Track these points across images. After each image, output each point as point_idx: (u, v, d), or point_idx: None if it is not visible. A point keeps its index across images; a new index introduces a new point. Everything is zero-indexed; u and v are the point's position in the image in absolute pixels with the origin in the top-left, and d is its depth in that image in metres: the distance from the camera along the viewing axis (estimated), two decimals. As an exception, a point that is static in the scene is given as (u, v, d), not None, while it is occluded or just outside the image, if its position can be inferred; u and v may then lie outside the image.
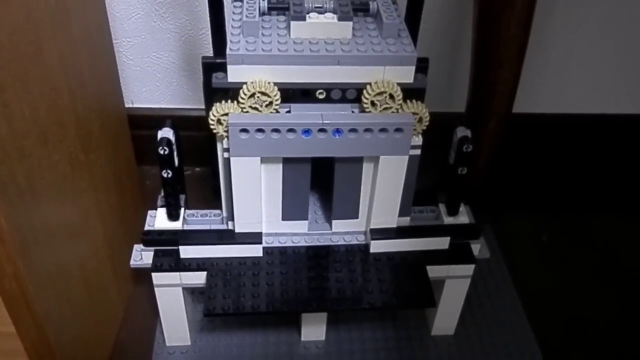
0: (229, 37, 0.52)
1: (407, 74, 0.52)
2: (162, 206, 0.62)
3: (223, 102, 0.52)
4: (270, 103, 0.52)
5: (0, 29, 0.41)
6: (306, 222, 0.61)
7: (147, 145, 0.83)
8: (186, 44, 0.81)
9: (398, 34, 0.53)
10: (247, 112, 0.52)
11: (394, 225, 0.61)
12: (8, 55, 0.42)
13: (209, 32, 0.59)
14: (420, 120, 0.55)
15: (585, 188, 0.92)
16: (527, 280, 0.78)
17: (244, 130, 0.52)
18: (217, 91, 0.52)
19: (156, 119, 0.87)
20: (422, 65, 0.53)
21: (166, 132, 0.58)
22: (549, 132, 0.91)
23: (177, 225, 0.61)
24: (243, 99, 0.51)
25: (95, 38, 0.61)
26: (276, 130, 0.52)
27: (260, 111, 0.52)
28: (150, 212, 0.63)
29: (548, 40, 0.83)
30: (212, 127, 0.53)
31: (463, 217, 0.64)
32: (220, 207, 0.62)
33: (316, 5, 0.53)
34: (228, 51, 0.50)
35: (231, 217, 0.60)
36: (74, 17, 0.54)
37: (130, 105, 0.86)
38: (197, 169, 0.91)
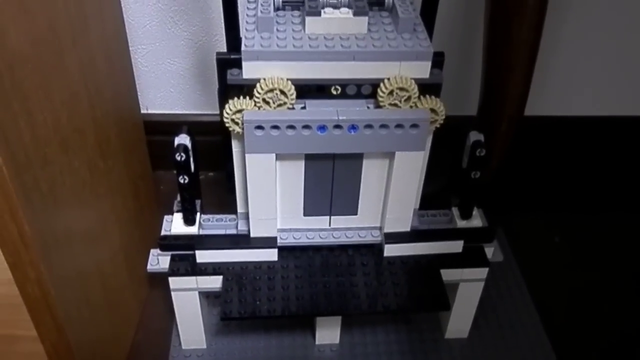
0: (243, 33, 0.52)
1: (423, 70, 0.52)
2: (178, 211, 0.63)
3: (236, 98, 0.52)
4: (284, 103, 0.52)
5: (25, 39, 0.42)
6: (327, 217, 0.61)
7: (162, 150, 0.84)
8: (200, 50, 0.82)
9: (414, 28, 0.52)
10: (261, 106, 0.52)
11: (410, 221, 0.60)
12: (32, 65, 0.43)
13: (223, 39, 0.59)
14: (436, 115, 0.54)
15: (596, 188, 0.92)
16: (540, 282, 0.78)
17: (259, 127, 0.52)
18: (232, 88, 0.52)
19: (170, 124, 0.88)
20: (438, 60, 0.53)
21: (183, 139, 0.59)
22: (560, 134, 0.91)
23: (193, 230, 0.62)
24: (258, 95, 0.51)
25: (113, 45, 0.62)
26: (291, 127, 0.52)
27: (270, 107, 0.52)
28: (166, 217, 0.64)
29: (559, 43, 0.83)
30: (226, 124, 0.53)
31: (476, 221, 0.64)
32: (235, 211, 0.63)
33: (331, 1, 0.53)
34: (243, 47, 0.50)
35: (246, 215, 0.60)
36: (92, 24, 0.55)
37: (145, 111, 0.88)
38: (210, 173, 0.92)
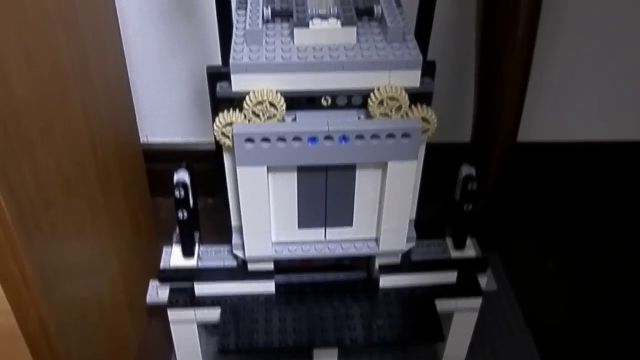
0: (232, 47, 0.51)
1: (413, 79, 0.51)
2: (177, 243, 0.64)
3: (226, 112, 0.51)
4: (275, 116, 0.51)
5: (29, 87, 0.43)
6: (322, 230, 0.60)
7: (161, 177, 0.85)
8: (198, 80, 0.84)
9: (403, 37, 0.52)
10: (251, 119, 0.51)
11: (406, 232, 0.60)
12: (36, 112, 0.44)
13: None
14: (428, 124, 0.54)
15: (589, 213, 0.94)
16: (536, 308, 0.79)
17: (250, 140, 0.51)
18: (222, 101, 0.52)
19: (170, 152, 0.91)
20: (428, 69, 0.53)
21: (182, 175, 0.60)
22: (553, 160, 0.93)
23: (192, 262, 0.63)
24: (248, 107, 0.51)
25: (114, 81, 0.64)
26: (282, 139, 0.51)
27: (260, 120, 0.51)
28: (165, 249, 0.65)
29: (550, 70, 0.85)
30: (217, 138, 0.53)
31: (470, 251, 0.65)
32: (230, 240, 0.64)
33: (320, 12, 0.53)
34: (231, 60, 0.49)
35: (241, 229, 0.59)
36: (94, 64, 0.56)
37: (145, 140, 0.89)
38: (209, 200, 0.93)
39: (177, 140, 0.90)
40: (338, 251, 0.60)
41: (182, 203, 0.60)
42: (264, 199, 0.56)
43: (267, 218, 0.57)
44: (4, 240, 0.42)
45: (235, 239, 0.61)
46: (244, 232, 0.58)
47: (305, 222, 0.59)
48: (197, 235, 0.65)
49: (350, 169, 0.56)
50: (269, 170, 0.54)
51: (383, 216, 0.58)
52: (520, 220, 0.92)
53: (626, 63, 0.85)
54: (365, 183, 0.57)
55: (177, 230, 0.63)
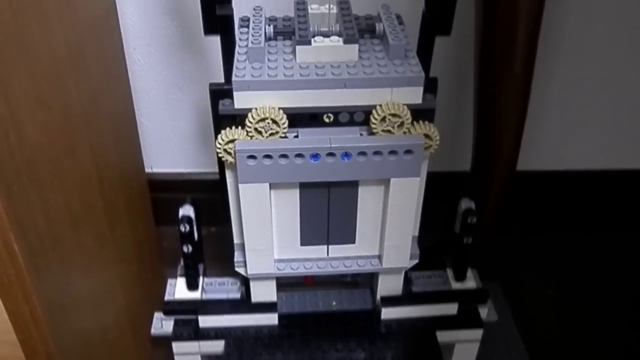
0: (235, 64, 0.52)
1: (415, 95, 0.52)
2: (181, 275, 0.65)
3: (229, 128, 0.52)
4: (276, 132, 0.52)
5: (41, 131, 0.45)
6: (325, 247, 0.60)
7: (165, 206, 0.87)
8: (202, 113, 0.86)
9: (405, 54, 0.52)
10: (253, 136, 0.52)
11: (409, 249, 0.60)
12: (47, 155, 0.46)
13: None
14: (430, 140, 0.54)
15: (589, 240, 0.94)
16: (537, 337, 0.79)
17: (252, 157, 0.51)
18: (224, 118, 0.52)
19: (174, 182, 0.92)
20: (430, 85, 0.53)
21: (187, 210, 0.61)
22: (552, 189, 0.94)
23: (196, 295, 0.64)
24: (250, 124, 0.51)
25: (121, 118, 0.66)
26: (284, 156, 0.51)
27: (262, 136, 0.52)
28: (170, 281, 0.66)
29: (548, 101, 0.87)
30: (219, 154, 0.53)
31: (470, 283, 0.66)
32: (233, 270, 0.65)
33: (321, 29, 0.53)
34: (234, 78, 0.50)
35: (242, 246, 0.59)
36: (103, 103, 0.58)
37: (150, 170, 0.90)
38: (212, 228, 0.94)
39: (181, 171, 0.92)
40: (340, 268, 0.60)
41: (187, 237, 0.61)
42: (266, 216, 0.56)
43: (269, 235, 0.57)
44: (15, 280, 0.43)
45: (237, 256, 0.61)
46: (246, 249, 0.58)
47: (307, 239, 0.59)
48: (201, 267, 0.66)
49: (353, 185, 0.56)
50: (271, 186, 0.54)
51: (386, 233, 0.58)
52: (520, 248, 0.93)
53: (624, 93, 0.87)
54: (367, 199, 0.57)
55: (182, 262, 0.64)
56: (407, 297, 0.64)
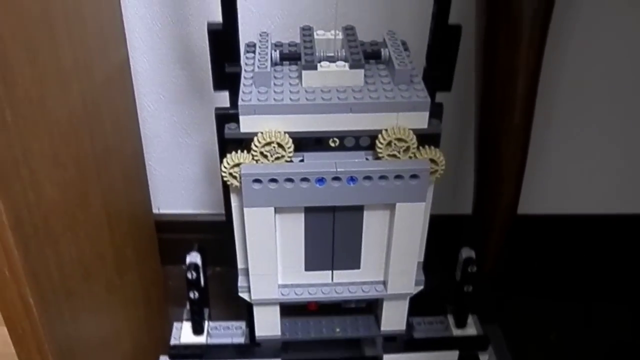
0: (241, 88, 0.52)
1: (421, 120, 0.52)
2: (187, 320, 0.67)
3: (234, 152, 0.52)
4: (282, 156, 0.52)
5: (57, 189, 0.47)
6: (329, 272, 0.59)
7: (171, 246, 0.89)
8: (209, 157, 0.88)
9: (410, 79, 0.53)
10: (259, 160, 0.52)
11: (414, 275, 0.59)
12: (62, 211, 0.48)
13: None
14: (436, 165, 0.54)
15: (591, 284, 0.95)
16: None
17: (257, 181, 0.51)
18: (230, 142, 0.52)
19: (181, 223, 0.94)
20: (436, 111, 0.53)
21: (194, 257, 0.63)
22: (553, 232, 0.95)
23: (201, 339, 0.65)
24: (256, 148, 0.51)
25: (131, 163, 0.68)
26: (289, 180, 0.51)
27: (268, 160, 0.52)
28: (175, 325, 0.67)
29: (547, 147, 0.89)
30: (224, 178, 0.53)
31: (471, 329, 0.67)
32: (242, 315, 0.66)
33: (327, 54, 0.53)
34: (240, 102, 0.50)
35: (246, 271, 0.59)
36: (115, 153, 0.61)
37: (157, 211, 0.92)
38: (217, 268, 0.96)
39: (187, 212, 0.93)
40: (345, 294, 0.60)
41: (194, 284, 0.62)
42: (270, 240, 0.55)
43: (274, 259, 0.57)
44: (30, 331, 0.45)
45: (240, 281, 0.60)
46: (250, 274, 0.58)
47: (312, 264, 0.59)
48: (206, 312, 0.67)
49: (358, 210, 0.55)
50: (276, 211, 0.54)
51: (391, 258, 0.57)
52: (521, 291, 0.93)
53: (624, 137, 0.89)
54: (372, 224, 0.57)
55: (188, 306, 0.66)
56: (408, 343, 0.65)
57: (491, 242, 0.79)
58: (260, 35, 0.57)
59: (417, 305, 0.67)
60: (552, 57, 0.78)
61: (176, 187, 0.91)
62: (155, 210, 0.92)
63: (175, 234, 0.93)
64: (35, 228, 0.44)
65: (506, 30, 0.65)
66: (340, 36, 0.56)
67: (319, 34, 0.56)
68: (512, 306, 0.91)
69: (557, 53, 0.79)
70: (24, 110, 0.42)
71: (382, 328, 0.64)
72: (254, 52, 0.56)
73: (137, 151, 0.71)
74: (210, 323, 0.67)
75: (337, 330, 0.65)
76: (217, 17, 0.52)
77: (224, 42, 0.52)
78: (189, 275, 0.62)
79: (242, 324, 0.67)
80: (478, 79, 0.72)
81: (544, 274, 0.96)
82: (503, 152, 0.73)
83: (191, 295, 0.63)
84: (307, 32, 0.56)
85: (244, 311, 0.66)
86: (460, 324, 0.67)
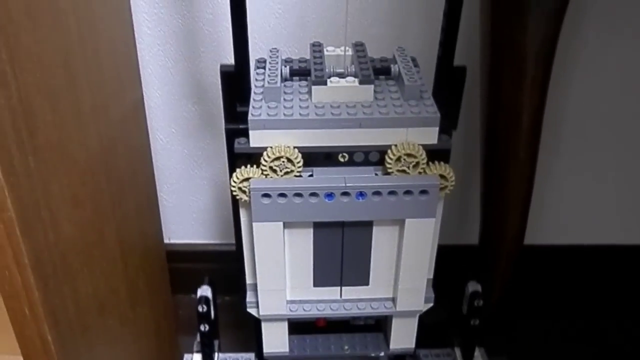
0: (251, 103, 0.52)
1: (430, 135, 0.52)
2: (197, 352, 0.68)
3: (243, 167, 0.52)
4: (291, 171, 0.52)
5: (75, 228, 0.49)
6: (338, 288, 0.59)
7: (181, 275, 0.90)
8: (219, 188, 0.90)
9: (420, 95, 0.53)
10: (268, 174, 0.52)
11: (423, 292, 0.59)
12: (78, 246, 0.50)
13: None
14: (445, 181, 0.54)
15: (600, 317, 0.95)
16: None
17: (266, 195, 0.51)
18: (239, 157, 0.53)
19: (191, 253, 0.96)
20: (446, 127, 0.53)
21: (205, 290, 0.64)
22: (561, 263, 0.96)
23: (211, 371, 0.66)
24: (265, 163, 0.51)
25: (144, 198, 0.69)
26: (299, 195, 0.51)
27: (277, 175, 0.52)
28: (186, 357, 0.68)
29: (553, 180, 0.90)
30: (234, 193, 0.53)
31: (478, 362, 0.68)
32: (250, 347, 0.67)
33: (337, 70, 0.54)
34: (250, 117, 0.50)
35: (255, 286, 0.59)
36: (130, 191, 0.62)
37: (168, 241, 0.94)
38: (227, 298, 0.97)
39: (197, 242, 0.95)
40: (354, 310, 0.59)
41: (204, 317, 0.63)
42: (279, 255, 0.55)
43: (282, 275, 0.57)
44: (46, 368, 0.46)
45: (249, 296, 0.60)
46: (259, 289, 0.58)
47: (320, 280, 0.58)
48: (216, 344, 0.68)
49: (367, 225, 0.55)
50: (284, 226, 0.54)
51: (400, 275, 0.57)
52: (529, 323, 0.94)
53: (630, 169, 0.89)
54: (382, 240, 0.56)
55: (198, 338, 0.67)
56: (416, 376, 0.66)
57: (498, 273, 0.80)
58: (271, 51, 0.58)
59: (425, 337, 0.68)
60: (558, 91, 0.80)
61: (186, 217, 0.93)
62: (165, 240, 0.93)
63: (185, 263, 0.94)
64: (54, 267, 0.45)
65: (510, 69, 0.67)
66: (350, 52, 0.57)
67: (329, 50, 0.57)
68: (519, 337, 0.91)
69: (562, 87, 0.81)
70: (45, 155, 0.44)
71: (391, 346, 0.64)
72: (264, 67, 0.57)
73: (149, 184, 0.73)
74: (220, 355, 0.68)
75: (346, 347, 0.65)
76: (228, 53, 0.53)
77: (235, 83, 0.54)
78: (200, 309, 0.63)
79: (252, 356, 0.68)
80: (483, 115, 0.73)
81: (552, 304, 0.96)
82: (509, 185, 0.74)
83: (202, 328, 0.64)
84: (317, 47, 0.57)
85: (253, 341, 0.67)
86: (467, 357, 0.68)
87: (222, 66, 0.54)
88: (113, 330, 0.58)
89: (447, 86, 0.55)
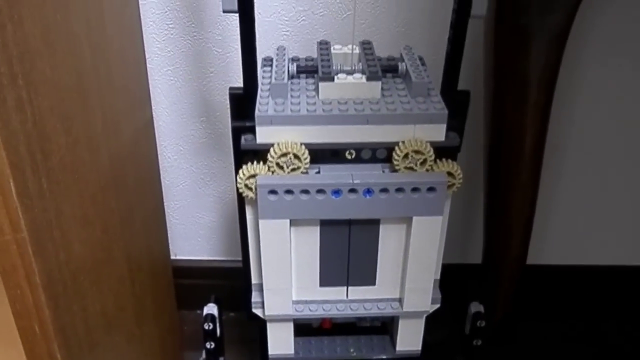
0: (258, 100, 0.52)
1: (438, 132, 0.51)
2: (203, 368, 0.68)
3: (250, 163, 0.52)
4: (298, 168, 0.51)
5: (85, 248, 0.50)
6: (344, 288, 0.58)
7: (187, 291, 0.91)
8: (227, 205, 0.91)
9: (427, 92, 0.53)
10: (275, 171, 0.52)
11: (430, 292, 0.59)
12: (88, 265, 0.51)
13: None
14: (453, 178, 0.53)
15: (602, 338, 0.96)
16: None
17: (273, 192, 0.51)
18: (245, 153, 0.52)
19: (197, 269, 0.96)
20: (454, 124, 0.53)
21: (211, 308, 0.65)
22: (563, 283, 0.96)
23: (216, 388, 0.67)
24: (272, 159, 0.51)
25: (152, 215, 0.70)
26: (305, 192, 0.51)
27: (283, 171, 0.51)
28: (191, 373, 0.69)
29: (555, 200, 0.90)
30: (240, 189, 0.52)
31: (481, 382, 0.68)
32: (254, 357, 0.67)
33: (344, 68, 0.54)
34: (257, 112, 0.50)
35: (260, 286, 0.58)
36: (138, 210, 0.63)
37: (174, 257, 0.95)
38: (232, 314, 0.97)
39: (203, 258, 0.96)
40: (360, 310, 0.59)
41: (210, 334, 0.64)
42: (285, 254, 0.55)
43: (288, 274, 0.56)
44: (55, 384, 0.47)
45: (254, 296, 0.60)
46: (264, 289, 0.57)
47: (326, 279, 0.58)
48: (221, 361, 0.69)
49: (374, 223, 0.55)
50: (291, 223, 0.53)
51: (407, 274, 0.57)
52: (530, 342, 0.94)
53: (633, 189, 0.90)
54: (389, 239, 0.56)
55: (204, 355, 0.67)
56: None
57: (500, 293, 0.81)
58: (277, 49, 0.58)
59: (427, 357, 0.68)
60: (562, 112, 0.81)
61: (193, 234, 0.94)
62: (172, 256, 0.94)
63: (191, 279, 0.95)
64: (64, 286, 0.46)
65: (513, 93, 0.68)
66: (357, 51, 0.57)
67: (336, 49, 0.57)
68: (522, 357, 0.91)
69: (564, 111, 0.82)
70: (58, 177, 0.45)
71: (398, 348, 0.63)
72: (271, 65, 0.57)
73: (157, 201, 0.74)
74: (226, 371, 0.69)
75: (352, 350, 0.64)
76: (236, 73, 0.54)
77: (243, 104, 0.54)
78: (206, 327, 0.64)
79: (256, 374, 0.68)
80: (487, 137, 0.74)
81: (554, 324, 0.97)
82: (511, 207, 0.75)
83: (207, 345, 0.65)
84: (324, 45, 0.57)
85: (257, 357, 0.68)
86: (471, 377, 0.68)
87: (231, 89, 0.55)
88: (120, 348, 0.59)
89: (451, 110, 0.56)
